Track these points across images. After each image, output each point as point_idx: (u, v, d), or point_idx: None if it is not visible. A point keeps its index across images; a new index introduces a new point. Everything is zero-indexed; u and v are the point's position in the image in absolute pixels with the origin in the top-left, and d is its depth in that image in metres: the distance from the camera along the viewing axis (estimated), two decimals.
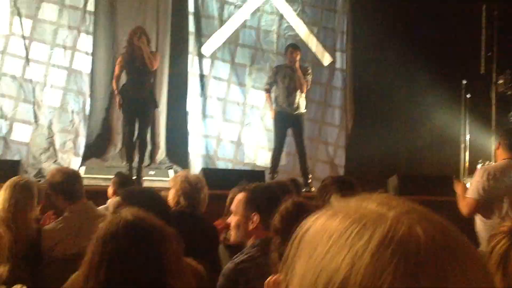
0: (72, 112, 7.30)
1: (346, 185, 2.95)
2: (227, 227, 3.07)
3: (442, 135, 7.86)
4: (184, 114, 7.70)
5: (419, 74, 7.75)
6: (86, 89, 7.38)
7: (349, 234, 0.55)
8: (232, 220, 2.72)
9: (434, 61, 7.66)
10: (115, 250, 1.53)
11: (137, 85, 6.35)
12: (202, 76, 7.80)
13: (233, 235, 2.72)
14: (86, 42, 7.39)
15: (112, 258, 1.53)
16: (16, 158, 6.77)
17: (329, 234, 0.56)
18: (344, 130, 8.12)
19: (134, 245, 1.55)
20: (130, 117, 6.41)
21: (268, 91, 6.96)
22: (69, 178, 3.48)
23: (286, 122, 6.80)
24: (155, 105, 6.71)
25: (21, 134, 7.11)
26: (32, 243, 3.21)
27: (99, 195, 4.62)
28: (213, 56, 7.83)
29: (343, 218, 0.57)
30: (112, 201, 3.98)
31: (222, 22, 7.84)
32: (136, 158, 6.52)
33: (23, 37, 7.18)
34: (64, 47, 7.31)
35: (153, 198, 3.03)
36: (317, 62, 8.02)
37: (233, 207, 2.75)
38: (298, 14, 8.02)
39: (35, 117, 7.17)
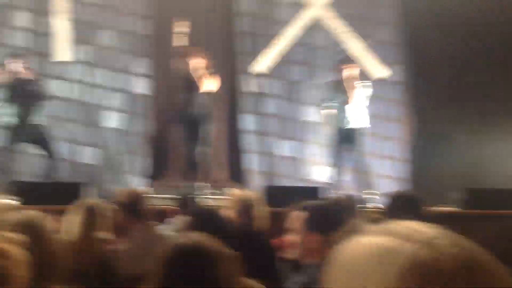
0: (135, 133, 7.51)
1: (411, 201, 2.92)
2: (290, 245, 3.06)
3: (510, 147, 7.59)
4: (239, 132, 7.78)
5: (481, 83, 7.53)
6: (146, 110, 7.59)
7: (379, 256, 0.56)
8: (291, 238, 2.71)
9: (494, 69, 7.43)
10: (172, 275, 1.56)
11: (194, 106, 6.47)
12: (255, 94, 7.86)
13: (292, 253, 2.71)
14: (145, 65, 7.61)
15: (170, 282, 1.56)
16: (82, 180, 7.00)
17: (361, 255, 0.58)
18: (407, 144, 7.96)
19: (191, 270, 1.57)
20: (190, 137, 6.56)
21: (323, 108, 6.95)
22: (135, 198, 3.58)
23: (343, 138, 6.77)
24: (211, 124, 6.81)
25: (87, 156, 7.37)
26: (103, 263, 3.28)
27: (161, 214, 4.71)
28: (265, 74, 7.89)
29: (377, 240, 0.58)
30: (175, 220, 4.06)
31: (271, 40, 7.88)
32: (197, 177, 6.63)
33: (85, 63, 7.46)
34: (125, 71, 7.55)
35: (215, 218, 3.08)
36: (373, 76, 7.93)
37: (290, 224, 2.75)
38: (349, 28, 7.98)
39: (101, 139, 7.41)
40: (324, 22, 7.97)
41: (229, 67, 7.83)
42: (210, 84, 6.49)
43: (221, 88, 7.49)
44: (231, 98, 7.78)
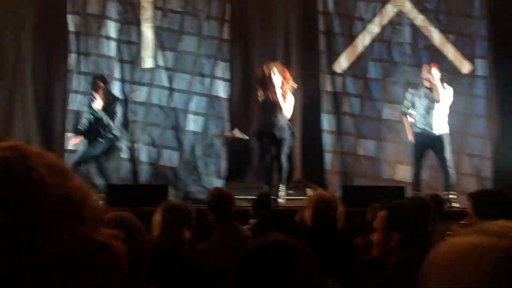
0: (213, 136, 7.67)
1: (501, 198, 2.84)
2: (368, 244, 3.04)
3: None
4: (319, 131, 7.76)
5: None
6: (225, 113, 7.73)
7: (474, 255, 0.57)
8: (374, 237, 2.69)
9: None
10: (253, 275, 1.59)
11: (270, 118, 6.53)
12: (335, 93, 7.82)
13: (374, 252, 2.70)
14: (223, 69, 7.76)
15: (251, 282, 1.59)
16: (165, 182, 7.23)
17: (457, 255, 0.59)
18: (490, 140, 7.66)
19: (271, 270, 1.60)
20: (266, 141, 6.64)
21: (405, 114, 6.85)
22: (224, 199, 3.68)
23: (426, 143, 6.65)
24: (291, 130, 6.83)
25: (168, 159, 7.60)
26: (184, 262, 3.38)
27: (239, 215, 4.78)
28: (345, 72, 7.83)
29: (471, 239, 0.59)
30: (252, 221, 4.12)
31: (352, 38, 7.82)
32: (275, 179, 6.69)
33: (167, 69, 7.71)
34: (203, 75, 7.73)
35: (285, 219, 3.10)
36: (455, 70, 7.68)
37: (375, 224, 2.73)
38: (432, 23, 7.76)
39: (180, 142, 7.63)
40: (406, 17, 7.81)
41: (310, 66, 7.83)
42: (289, 102, 6.57)
43: (302, 87, 7.50)
44: (311, 98, 7.79)
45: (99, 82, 6.84)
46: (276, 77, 6.50)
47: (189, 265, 3.37)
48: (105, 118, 6.70)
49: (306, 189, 7.38)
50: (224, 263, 3.22)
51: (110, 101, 6.83)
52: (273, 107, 6.52)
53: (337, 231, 3.50)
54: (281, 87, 6.53)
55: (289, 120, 6.75)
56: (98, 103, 6.69)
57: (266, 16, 7.94)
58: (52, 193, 0.65)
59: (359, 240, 3.78)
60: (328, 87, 7.82)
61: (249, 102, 7.65)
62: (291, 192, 7.15)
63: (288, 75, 6.64)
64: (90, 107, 6.76)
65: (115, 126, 6.80)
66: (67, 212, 0.65)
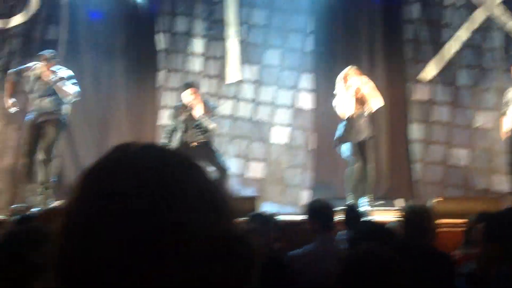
0: (299, 147, 7.68)
1: None
2: (467, 258, 2.94)
3: None
4: (406, 141, 7.59)
5: None
6: (310, 125, 7.73)
7: None
8: (474, 250, 2.60)
9: None
10: (349, 283, 1.59)
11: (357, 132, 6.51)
12: (423, 102, 7.63)
13: (475, 265, 2.61)
14: (307, 81, 7.78)
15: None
16: (252, 194, 7.31)
17: None
18: None
19: (367, 280, 1.59)
20: (354, 151, 6.60)
21: (503, 114, 6.57)
22: (329, 209, 3.74)
23: None
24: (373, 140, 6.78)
25: (255, 171, 7.69)
26: (280, 269, 3.42)
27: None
28: (434, 80, 7.62)
29: None
30: (342, 232, 4.09)
31: (439, 45, 7.62)
32: (362, 190, 6.60)
33: (252, 82, 7.83)
34: (288, 87, 7.78)
35: (381, 231, 3.06)
36: None
37: (474, 236, 2.64)
38: None
39: (266, 154, 7.70)
40: (496, 22, 7.51)
41: (396, 75, 7.71)
42: (375, 103, 6.52)
43: (389, 96, 7.38)
44: (397, 107, 7.64)
45: (195, 89, 6.86)
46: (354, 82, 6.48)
47: (286, 273, 3.41)
48: (208, 124, 6.79)
49: (394, 200, 7.23)
50: (323, 272, 3.24)
51: (209, 108, 6.92)
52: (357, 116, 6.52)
53: (431, 244, 3.40)
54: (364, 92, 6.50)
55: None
56: (198, 111, 6.77)
57: (350, 27, 7.89)
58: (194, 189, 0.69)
59: (457, 253, 3.65)
60: (416, 96, 7.64)
61: (334, 113, 7.63)
62: (379, 203, 7.02)
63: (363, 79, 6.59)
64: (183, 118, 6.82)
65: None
66: (209, 207, 0.68)
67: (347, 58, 7.72)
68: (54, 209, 5.93)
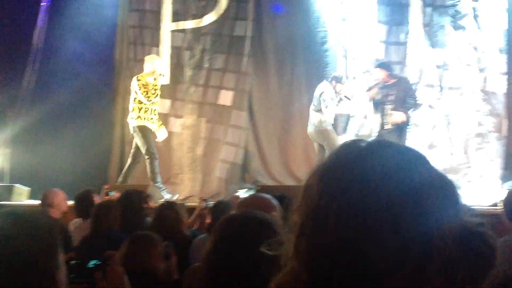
0: (488, 133, 7.19)
1: None
2: None
3: None
4: None
5: None
6: (502, 109, 7.19)
7: None
8: None
9: None
10: None
11: None
12: None
13: None
14: (500, 61, 7.23)
15: None
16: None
17: None
18: None
19: None
20: None
21: None
22: None
23: None
24: None
25: (442, 159, 7.33)
26: None
27: None
28: None
29: None
30: None
31: None
32: None
33: (437, 67, 7.48)
34: (479, 70, 7.31)
35: None
36: None
37: None
38: None
39: (451, 141, 7.34)
40: None
41: None
42: None
43: None
44: None
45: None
46: None
47: None
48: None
49: None
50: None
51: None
52: None
53: None
54: None
55: None
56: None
57: None
58: None
59: None
60: None
61: None
62: None
63: None
64: None
65: None
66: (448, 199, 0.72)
67: None
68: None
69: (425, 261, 0.67)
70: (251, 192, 6.59)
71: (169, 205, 4.18)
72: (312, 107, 7.30)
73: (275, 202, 2.09)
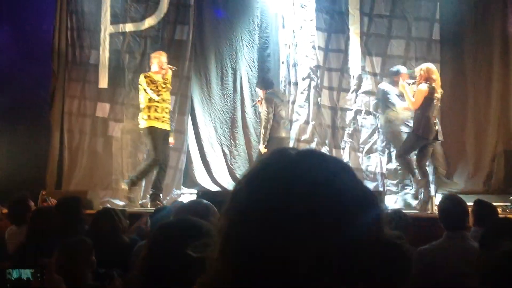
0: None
1: None
2: None
3: None
4: None
5: None
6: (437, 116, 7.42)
7: None
8: None
9: None
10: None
11: None
12: None
13: None
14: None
15: None
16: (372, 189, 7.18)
17: None
18: None
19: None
20: None
21: None
22: (458, 206, 3.70)
23: None
24: None
25: (376, 165, 7.52)
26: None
27: None
28: None
29: None
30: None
31: None
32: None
33: (374, 74, 7.69)
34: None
35: None
36: None
37: None
38: None
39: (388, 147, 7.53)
40: None
41: None
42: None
43: None
44: None
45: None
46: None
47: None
48: None
49: None
50: (451, 268, 3.19)
51: None
52: None
53: None
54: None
55: None
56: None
57: (479, 12, 7.49)
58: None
59: None
60: None
61: (461, 104, 7.36)
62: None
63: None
64: None
65: None
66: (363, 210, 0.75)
67: (476, 48, 7.38)
68: None
69: (347, 267, 0.70)
70: (193, 198, 6.58)
71: (106, 211, 4.12)
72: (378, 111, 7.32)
73: (213, 208, 2.12)
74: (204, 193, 6.30)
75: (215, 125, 8.28)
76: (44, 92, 8.50)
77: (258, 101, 7.30)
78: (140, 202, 7.54)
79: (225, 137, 8.24)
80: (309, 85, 7.83)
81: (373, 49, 7.72)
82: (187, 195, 7.66)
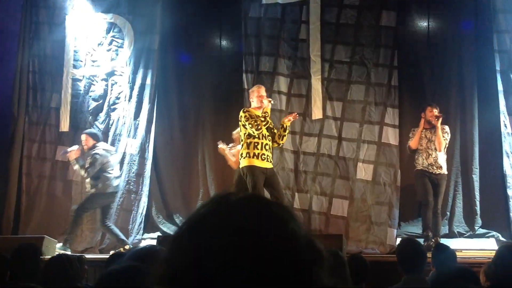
0: (384, 184, 7.51)
1: None
2: None
3: None
4: (502, 175, 7.22)
5: None
6: (396, 160, 7.55)
7: None
8: None
9: None
10: None
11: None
12: None
13: None
14: (392, 115, 7.66)
15: None
16: (336, 232, 7.20)
17: None
18: None
19: None
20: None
21: None
22: (416, 250, 3.66)
23: None
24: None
25: (339, 209, 7.59)
26: None
27: None
28: None
29: None
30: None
31: None
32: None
33: (335, 119, 7.81)
34: (372, 123, 7.69)
35: (468, 272, 2.93)
36: None
37: None
38: None
39: (351, 191, 7.59)
40: None
41: (487, 107, 7.42)
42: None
43: (477, 128, 7.24)
44: (487, 139, 7.40)
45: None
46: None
47: None
48: None
49: (490, 239, 6.90)
50: None
51: None
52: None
53: None
54: None
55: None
56: None
57: (436, 59, 7.75)
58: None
59: None
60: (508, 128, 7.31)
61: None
62: (472, 241, 6.73)
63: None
64: None
65: None
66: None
67: (432, 92, 7.60)
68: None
69: None
70: (153, 243, 6.47)
71: (57, 259, 4.00)
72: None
73: (158, 253, 2.09)
74: (164, 238, 6.20)
75: (176, 168, 8.24)
76: (3, 135, 8.36)
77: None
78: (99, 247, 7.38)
79: (185, 180, 8.20)
80: None
81: (333, 93, 7.87)
82: (148, 240, 7.53)
